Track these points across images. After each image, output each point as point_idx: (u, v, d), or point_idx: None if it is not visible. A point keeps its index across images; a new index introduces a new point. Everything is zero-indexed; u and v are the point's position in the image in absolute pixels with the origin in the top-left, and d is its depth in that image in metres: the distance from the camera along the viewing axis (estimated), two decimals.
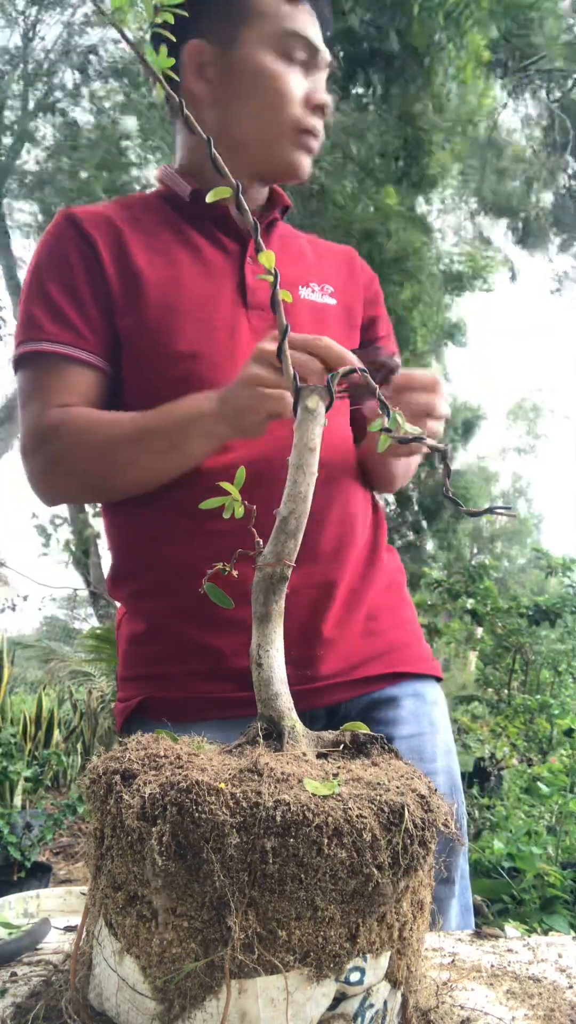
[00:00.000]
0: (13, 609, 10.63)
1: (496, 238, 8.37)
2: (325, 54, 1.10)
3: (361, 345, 1.20)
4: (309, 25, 1.07)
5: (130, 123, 7.72)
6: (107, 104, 8.28)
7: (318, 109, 1.10)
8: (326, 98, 1.10)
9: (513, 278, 8.44)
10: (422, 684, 1.10)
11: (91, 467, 1.01)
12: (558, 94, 6.35)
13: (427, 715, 1.08)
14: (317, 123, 1.11)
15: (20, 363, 1.05)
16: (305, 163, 1.12)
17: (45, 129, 8.44)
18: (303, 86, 1.08)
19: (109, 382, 1.05)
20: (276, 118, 1.08)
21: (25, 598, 10.95)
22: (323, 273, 1.19)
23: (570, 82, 6.22)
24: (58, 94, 8.75)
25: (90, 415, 1.00)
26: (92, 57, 8.52)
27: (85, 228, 1.06)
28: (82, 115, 8.60)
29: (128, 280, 1.04)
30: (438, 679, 1.15)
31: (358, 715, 1.04)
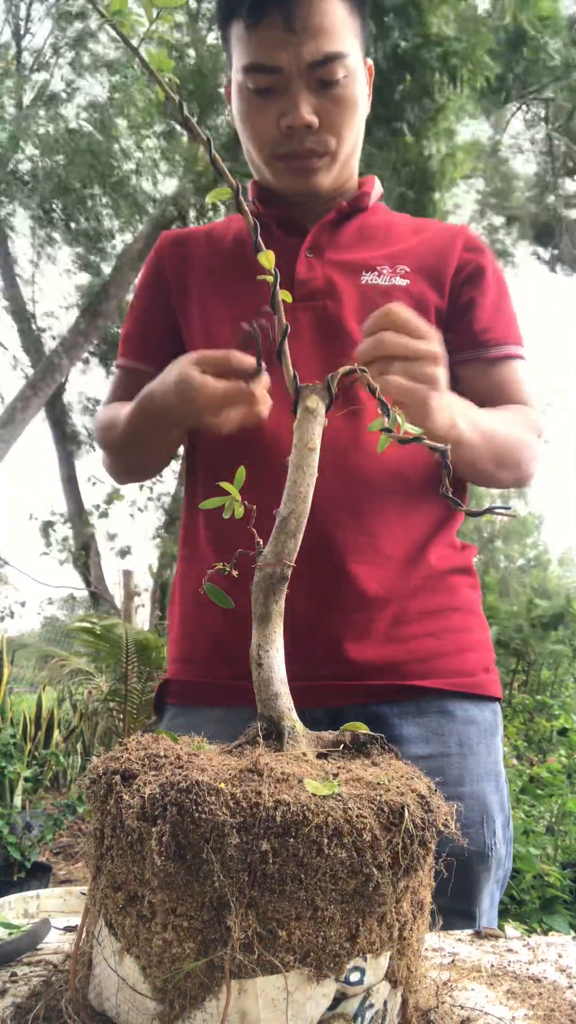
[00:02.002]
0: (12, 616, 10.66)
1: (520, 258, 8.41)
2: (291, 67, 1.04)
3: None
4: (270, 47, 1.04)
5: (121, 117, 7.72)
6: (99, 97, 8.28)
7: (293, 131, 1.07)
8: (303, 117, 1.05)
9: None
10: (453, 701, 1.03)
11: (117, 454, 1.19)
12: (558, 122, 6.37)
13: (455, 735, 1.01)
14: (297, 143, 1.08)
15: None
16: (303, 182, 1.12)
17: (38, 127, 8.44)
18: (274, 112, 1.07)
19: None
20: (254, 150, 1.13)
21: (23, 604, 10.97)
22: (400, 253, 1.16)
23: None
24: (52, 89, 8.75)
25: (111, 409, 1.17)
26: (82, 51, 8.52)
27: (163, 253, 1.23)
28: (74, 111, 8.61)
29: (184, 296, 1.19)
30: (490, 698, 1.07)
31: (367, 726, 1.00)
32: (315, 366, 1.05)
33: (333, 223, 1.17)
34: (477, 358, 1.15)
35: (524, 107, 6.11)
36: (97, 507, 10.31)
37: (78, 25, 8.41)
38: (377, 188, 1.24)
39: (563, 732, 4.34)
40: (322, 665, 0.99)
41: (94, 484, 10.43)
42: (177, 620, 1.16)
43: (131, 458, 1.19)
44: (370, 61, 1.17)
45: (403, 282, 1.13)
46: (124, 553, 10.24)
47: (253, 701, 1.02)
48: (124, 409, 1.10)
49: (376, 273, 1.13)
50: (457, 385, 1.13)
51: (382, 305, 1.06)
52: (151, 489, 10.36)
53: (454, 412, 0.91)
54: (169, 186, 8.29)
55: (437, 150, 4.54)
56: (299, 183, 1.12)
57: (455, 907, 0.91)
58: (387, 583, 1.02)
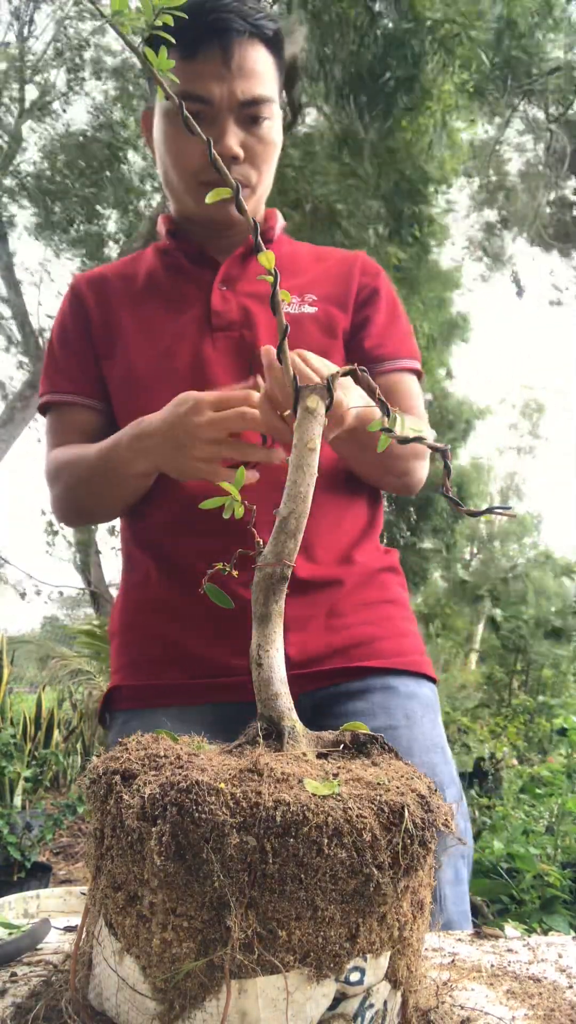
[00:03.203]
0: (23, 597, 10.58)
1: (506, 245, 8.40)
2: (223, 101, 1.10)
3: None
4: (205, 79, 1.08)
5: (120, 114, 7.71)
6: (101, 99, 8.27)
7: (222, 159, 1.12)
8: (230, 148, 1.11)
9: (519, 294, 8.46)
10: (395, 678, 1.10)
11: (82, 497, 1.18)
12: (555, 112, 6.36)
13: (400, 708, 1.08)
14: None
15: (41, 411, 1.28)
16: (223, 212, 1.16)
17: (40, 129, 8.45)
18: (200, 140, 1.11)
19: (108, 416, 1.23)
20: (177, 176, 1.17)
21: (24, 594, 10.95)
22: (307, 284, 1.23)
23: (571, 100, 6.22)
24: (54, 91, 8.74)
25: (75, 452, 1.17)
26: (85, 54, 8.52)
27: (81, 291, 1.26)
28: (77, 114, 8.61)
29: (108, 333, 1.22)
30: (426, 676, 1.14)
31: (318, 710, 1.07)
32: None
33: (243, 256, 1.23)
34: (372, 372, 1.19)
35: (523, 102, 6.11)
36: None
37: (81, 26, 8.42)
38: (280, 221, 1.30)
39: (563, 732, 4.34)
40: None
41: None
42: (119, 628, 1.20)
43: (94, 498, 1.17)
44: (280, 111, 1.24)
45: (311, 310, 1.20)
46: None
47: (205, 699, 1.07)
48: (90, 448, 1.11)
49: (286, 304, 1.16)
50: None
51: (294, 332, 1.14)
52: None
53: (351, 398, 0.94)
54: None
55: (430, 142, 4.53)
56: (220, 212, 1.15)
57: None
58: (320, 580, 1.11)
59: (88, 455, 1.12)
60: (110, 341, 1.22)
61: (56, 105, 8.67)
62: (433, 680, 1.17)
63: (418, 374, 1.27)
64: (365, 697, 1.08)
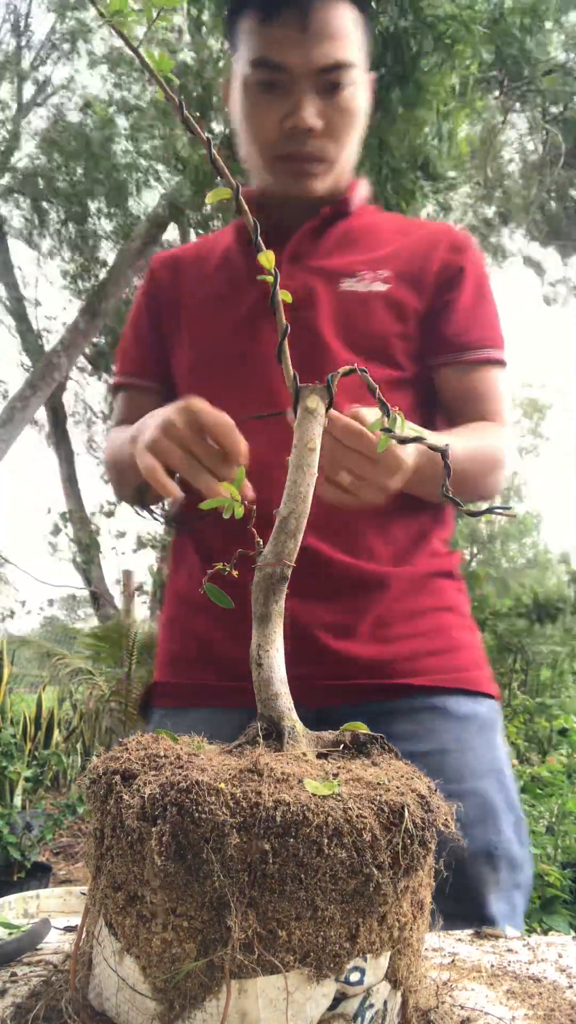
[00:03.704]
0: (12, 616, 10.67)
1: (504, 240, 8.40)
2: (300, 68, 1.03)
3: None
4: (281, 45, 1.03)
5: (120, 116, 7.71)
6: (97, 95, 8.26)
7: (295, 132, 1.06)
8: (305, 120, 1.04)
9: (540, 274, 8.44)
10: (447, 697, 1.02)
11: (113, 477, 1.21)
12: (554, 110, 6.36)
13: (450, 731, 1.00)
14: (298, 146, 1.07)
15: (112, 391, 1.31)
16: (299, 186, 1.10)
17: (37, 123, 8.45)
18: (278, 111, 1.06)
19: (169, 398, 1.17)
20: (253, 148, 1.11)
21: (24, 603, 10.98)
22: (383, 258, 1.14)
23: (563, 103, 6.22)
24: (50, 88, 8.74)
25: (117, 432, 1.18)
26: (81, 45, 8.50)
27: (155, 273, 1.25)
28: (73, 109, 8.60)
29: (176, 314, 1.20)
30: (483, 693, 1.06)
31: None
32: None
33: (316, 230, 1.16)
34: (452, 362, 1.14)
35: (519, 98, 6.11)
36: (101, 507, 10.31)
37: (78, 15, 8.38)
38: (362, 191, 1.22)
39: (563, 732, 4.34)
40: (307, 664, 0.99)
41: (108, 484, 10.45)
42: (163, 623, 1.19)
43: (119, 478, 1.18)
44: (372, 74, 1.15)
45: (383, 287, 1.12)
46: (144, 543, 10.13)
47: (237, 703, 1.04)
48: (126, 430, 1.09)
49: (356, 279, 1.12)
50: (435, 389, 1.15)
51: (359, 313, 1.09)
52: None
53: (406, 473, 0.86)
54: (167, 185, 8.29)
55: (433, 132, 4.52)
56: (295, 187, 1.11)
57: (463, 911, 0.88)
58: (367, 580, 1.04)
59: (121, 436, 1.11)
60: (177, 323, 1.19)
61: (55, 99, 8.67)
62: (492, 696, 1.09)
63: (502, 363, 1.16)
64: (412, 718, 1.00)
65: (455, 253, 1.16)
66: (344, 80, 1.05)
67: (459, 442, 0.97)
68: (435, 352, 1.14)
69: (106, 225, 9.20)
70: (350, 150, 1.12)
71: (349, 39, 1.05)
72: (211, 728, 0.82)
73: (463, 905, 0.90)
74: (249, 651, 0.58)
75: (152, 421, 0.91)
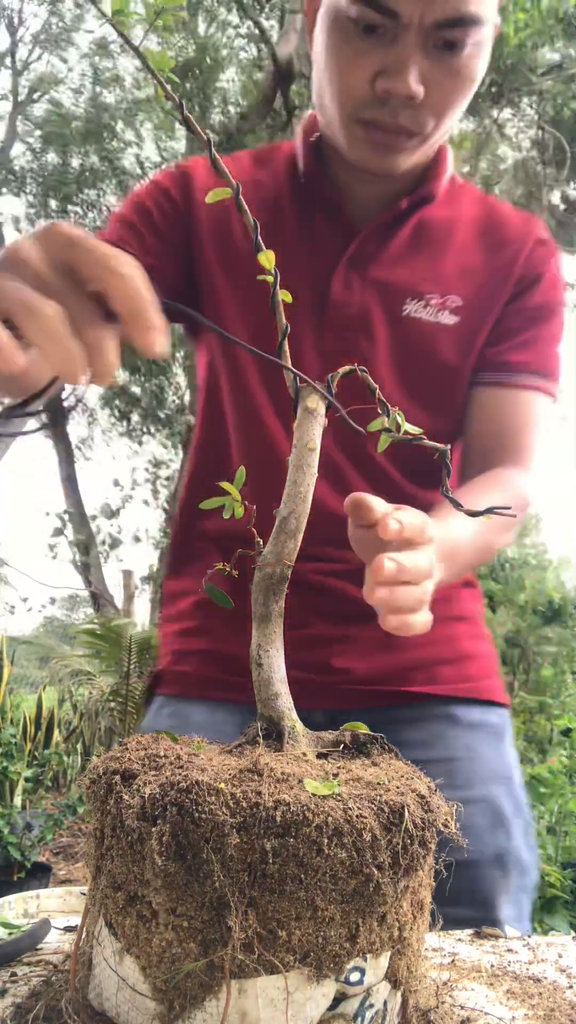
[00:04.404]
0: (12, 612, 10.67)
1: None
2: (413, 17, 0.78)
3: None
4: None
5: (112, 97, 7.68)
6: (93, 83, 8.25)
7: (388, 97, 0.83)
8: (408, 85, 0.81)
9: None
10: (458, 707, 1.01)
11: None
12: (551, 112, 6.36)
13: (461, 739, 0.99)
14: (390, 115, 0.85)
15: None
16: (379, 160, 0.90)
17: (36, 115, 8.43)
18: (373, 64, 0.83)
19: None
20: (332, 101, 0.89)
21: (26, 600, 10.98)
22: (456, 277, 0.97)
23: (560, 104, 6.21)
24: (47, 80, 8.73)
25: None
26: (75, 35, 8.47)
27: (190, 174, 0.99)
28: (68, 98, 8.57)
29: (217, 255, 0.97)
30: (494, 702, 1.04)
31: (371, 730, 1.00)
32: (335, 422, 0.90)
33: (386, 226, 0.97)
34: (491, 382, 0.99)
35: (515, 100, 6.13)
36: (101, 509, 10.31)
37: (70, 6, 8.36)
38: (448, 171, 1.00)
39: (567, 732, 4.34)
40: (315, 671, 0.99)
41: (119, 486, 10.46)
42: (173, 614, 1.16)
43: None
44: (499, 23, 0.90)
45: (451, 320, 0.95)
46: (138, 540, 10.13)
47: (241, 697, 0.97)
48: None
49: (423, 303, 0.95)
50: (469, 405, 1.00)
51: (420, 347, 0.90)
52: (154, 492, 10.35)
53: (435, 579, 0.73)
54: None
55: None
56: (375, 161, 0.90)
57: (475, 916, 0.88)
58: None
59: None
60: (207, 270, 0.97)
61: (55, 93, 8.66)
62: (503, 705, 1.07)
63: (550, 395, 0.98)
64: (422, 726, 0.99)
65: (537, 258, 1.00)
66: (466, 39, 0.82)
67: (466, 535, 0.83)
68: (479, 367, 0.99)
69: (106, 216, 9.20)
70: (451, 122, 0.90)
71: None
72: (210, 719, 0.81)
73: (475, 910, 0.90)
74: (249, 651, 0.58)
75: None
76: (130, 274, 0.48)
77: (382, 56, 0.82)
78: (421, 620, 0.65)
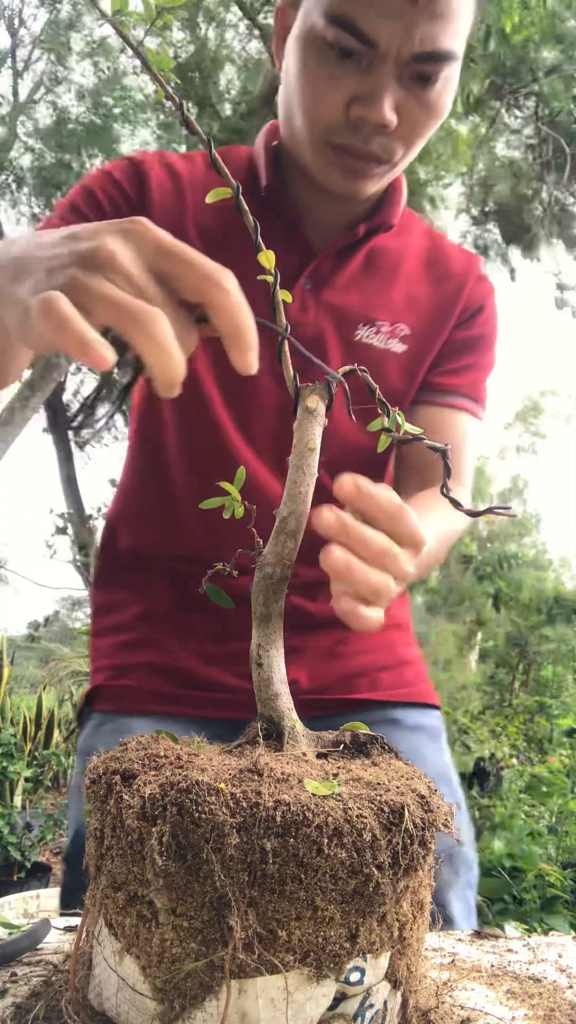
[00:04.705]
0: (13, 615, 10.64)
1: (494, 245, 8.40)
2: (391, 47, 0.80)
3: None
4: (377, 11, 0.79)
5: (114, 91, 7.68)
6: (92, 83, 8.24)
7: (361, 124, 0.85)
8: (382, 114, 0.82)
9: (512, 278, 8.44)
10: (399, 710, 1.05)
11: None
12: (549, 113, 6.36)
13: (404, 741, 1.02)
14: (362, 141, 0.86)
15: None
16: (347, 185, 0.90)
17: (37, 115, 8.42)
18: (348, 89, 0.84)
19: None
20: (305, 124, 0.88)
21: (26, 603, 10.96)
22: (405, 307, 1.00)
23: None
24: (47, 81, 8.72)
25: None
26: (73, 34, 8.45)
27: (148, 172, 0.96)
28: (68, 100, 8.55)
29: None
30: (429, 705, 1.09)
31: None
32: (279, 439, 0.85)
33: (343, 249, 0.98)
34: (429, 401, 1.02)
35: (513, 101, 6.13)
36: (99, 509, 10.31)
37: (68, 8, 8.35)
38: (403, 199, 1.02)
39: (571, 733, 4.34)
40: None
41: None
42: (106, 628, 1.12)
43: None
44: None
45: (399, 348, 0.98)
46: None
47: (187, 710, 0.98)
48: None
49: (374, 329, 0.98)
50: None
51: (369, 378, 0.94)
52: None
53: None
54: None
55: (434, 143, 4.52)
56: (342, 184, 0.91)
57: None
58: (328, 609, 1.03)
59: None
60: None
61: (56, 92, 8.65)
62: (437, 707, 1.11)
63: (478, 420, 1.03)
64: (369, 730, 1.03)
65: (479, 293, 1.05)
66: (439, 73, 0.83)
67: (430, 525, 0.83)
68: (417, 390, 1.03)
69: None
70: (416, 151, 0.93)
71: (461, 22, 0.82)
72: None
73: None
74: (249, 651, 0.58)
75: (57, 249, 0.51)
76: (234, 290, 0.49)
77: (357, 82, 0.83)
78: (374, 616, 0.60)
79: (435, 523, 0.87)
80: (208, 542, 1.00)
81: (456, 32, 0.82)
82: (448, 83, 0.86)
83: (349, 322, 0.97)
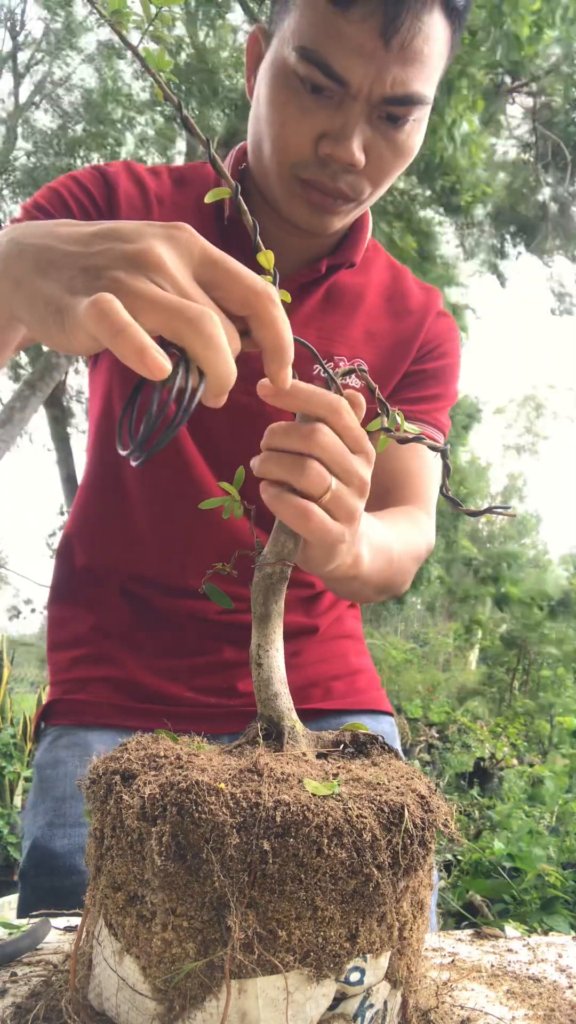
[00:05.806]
0: (19, 616, 10.66)
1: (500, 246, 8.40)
2: (363, 87, 0.80)
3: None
4: (348, 50, 0.78)
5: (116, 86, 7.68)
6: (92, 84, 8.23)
7: (334, 162, 0.84)
8: (351, 153, 0.82)
9: (502, 284, 8.44)
10: (352, 718, 1.05)
11: None
12: (548, 113, 6.36)
13: None
14: (329, 178, 0.86)
15: None
16: (312, 220, 0.90)
17: (38, 118, 8.42)
18: (317, 125, 0.83)
19: None
20: (270, 154, 0.88)
21: (28, 601, 10.97)
22: (362, 343, 1.00)
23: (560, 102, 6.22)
24: (48, 84, 8.72)
25: None
26: (73, 39, 8.45)
27: (112, 179, 0.96)
28: (68, 97, 8.54)
29: None
30: (381, 711, 1.10)
31: None
32: (244, 462, 0.83)
33: (302, 286, 0.98)
34: (384, 428, 1.01)
35: (511, 100, 6.14)
36: None
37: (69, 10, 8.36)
38: (367, 237, 1.03)
39: (575, 733, 4.34)
40: (221, 695, 1.02)
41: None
42: (64, 642, 1.10)
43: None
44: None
45: (357, 383, 0.97)
46: None
47: (144, 724, 0.94)
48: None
49: (332, 365, 0.97)
50: None
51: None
52: None
53: (361, 544, 0.69)
54: None
55: (450, 141, 4.51)
56: (308, 219, 0.91)
57: None
58: (302, 630, 1.05)
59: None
60: None
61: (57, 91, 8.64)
62: (390, 713, 1.13)
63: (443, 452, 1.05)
64: None
65: (438, 329, 1.06)
66: (409, 116, 0.84)
67: (393, 538, 0.82)
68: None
69: None
70: (383, 190, 0.92)
71: (433, 67, 0.82)
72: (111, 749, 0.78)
73: None
74: (249, 651, 0.58)
75: (94, 247, 0.49)
76: (279, 305, 0.49)
77: (327, 118, 0.83)
78: (335, 528, 0.57)
79: (391, 530, 0.84)
80: (166, 566, 1.01)
81: (428, 77, 0.83)
82: (418, 125, 0.87)
83: (307, 357, 0.96)
